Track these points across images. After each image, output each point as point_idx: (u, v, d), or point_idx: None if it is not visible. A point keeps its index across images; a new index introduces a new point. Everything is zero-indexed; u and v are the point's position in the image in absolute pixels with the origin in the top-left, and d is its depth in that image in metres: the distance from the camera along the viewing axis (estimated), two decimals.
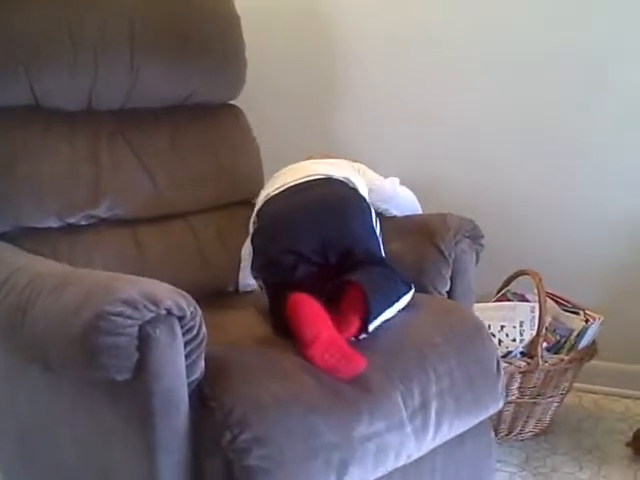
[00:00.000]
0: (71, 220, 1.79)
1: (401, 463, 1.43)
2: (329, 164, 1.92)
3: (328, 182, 1.80)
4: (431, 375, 1.50)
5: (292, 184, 1.79)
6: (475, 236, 1.87)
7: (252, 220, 1.85)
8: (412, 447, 1.44)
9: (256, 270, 1.76)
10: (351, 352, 1.39)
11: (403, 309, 1.64)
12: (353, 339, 1.47)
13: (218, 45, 2.04)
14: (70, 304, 1.25)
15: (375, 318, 1.51)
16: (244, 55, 2.12)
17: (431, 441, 1.48)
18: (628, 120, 2.38)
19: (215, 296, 1.91)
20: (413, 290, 1.68)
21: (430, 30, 2.50)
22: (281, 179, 1.84)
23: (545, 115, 2.45)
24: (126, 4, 1.88)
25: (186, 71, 1.99)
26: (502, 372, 1.69)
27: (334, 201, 1.74)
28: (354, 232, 1.68)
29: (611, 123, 2.40)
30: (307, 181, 1.79)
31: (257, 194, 2.12)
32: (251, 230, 1.84)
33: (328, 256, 1.65)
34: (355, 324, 1.47)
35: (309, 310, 1.44)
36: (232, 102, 2.18)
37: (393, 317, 1.58)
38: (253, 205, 2.11)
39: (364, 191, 1.88)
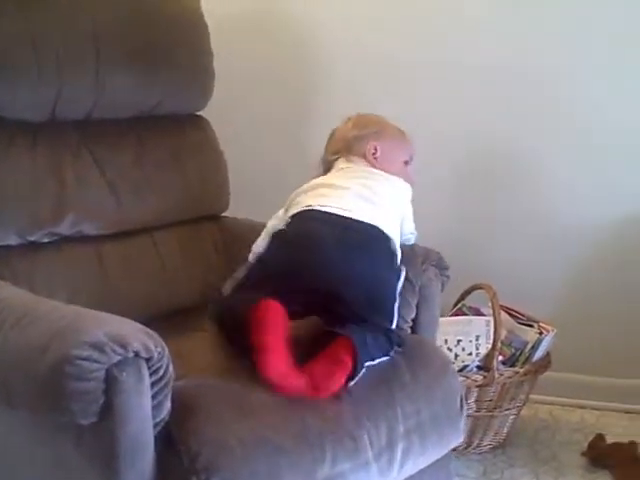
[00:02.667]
0: (32, 238, 1.75)
1: None
2: (376, 201, 1.75)
3: (369, 241, 1.66)
4: (399, 414, 1.51)
5: (335, 211, 1.67)
6: (441, 266, 1.88)
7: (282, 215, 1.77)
8: None
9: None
10: (295, 373, 1.39)
11: None
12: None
13: (185, 56, 2.01)
14: (35, 343, 1.22)
15: (357, 376, 1.48)
16: (212, 66, 2.08)
17: (394, 479, 1.49)
18: (577, 134, 2.43)
19: (177, 313, 1.90)
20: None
21: (401, 42, 2.49)
22: (326, 197, 1.72)
23: (494, 130, 2.48)
24: (91, 15, 1.83)
25: (152, 82, 1.95)
26: (464, 409, 1.71)
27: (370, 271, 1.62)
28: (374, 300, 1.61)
29: (560, 138, 2.44)
30: (349, 219, 1.66)
31: (222, 209, 2.11)
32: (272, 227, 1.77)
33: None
34: (339, 381, 1.43)
35: (273, 318, 1.41)
36: (200, 113, 2.14)
37: None
38: (218, 220, 2.10)
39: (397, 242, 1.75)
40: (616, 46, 2.35)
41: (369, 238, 1.66)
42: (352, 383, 1.47)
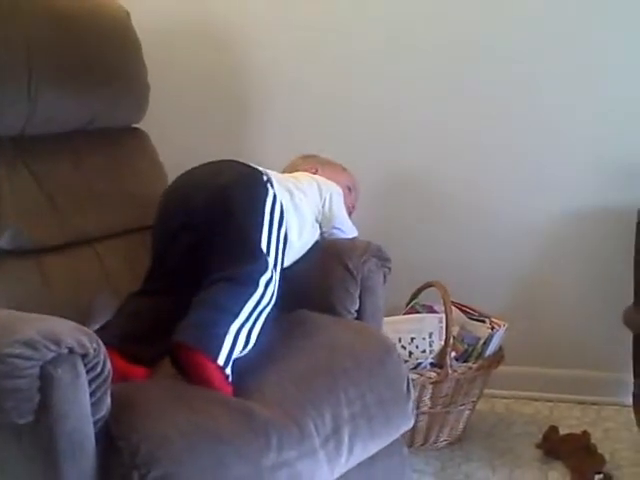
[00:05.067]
0: None
1: None
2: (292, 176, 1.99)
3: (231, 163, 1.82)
4: (342, 399, 1.52)
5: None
6: (382, 257, 1.90)
7: None
8: (325, 473, 1.45)
9: None
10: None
11: (315, 331, 1.66)
12: (228, 375, 1.48)
13: (117, 70, 2.02)
14: None
15: (217, 353, 1.47)
16: (146, 79, 2.10)
17: (344, 465, 1.50)
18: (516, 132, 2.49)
19: None
20: (266, 277, 1.62)
21: (339, 40, 2.54)
22: None
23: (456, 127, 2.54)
24: (23, 32, 1.83)
25: (86, 96, 1.95)
26: (412, 392, 1.72)
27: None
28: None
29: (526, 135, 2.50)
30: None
31: None
32: None
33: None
34: (210, 368, 1.45)
35: None
36: (137, 125, 2.15)
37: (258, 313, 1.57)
38: None
39: (306, 202, 1.90)
40: (558, 36, 2.42)
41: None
42: (228, 358, 1.48)
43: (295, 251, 1.86)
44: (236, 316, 1.53)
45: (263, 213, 1.69)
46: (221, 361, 1.46)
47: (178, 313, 1.56)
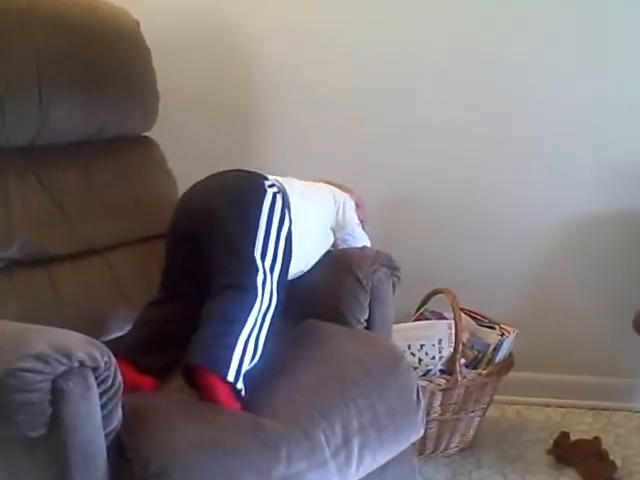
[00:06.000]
0: None
1: None
2: (308, 184, 1.97)
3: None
4: (352, 410, 1.52)
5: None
6: (391, 266, 1.90)
7: None
8: None
9: None
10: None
11: (324, 341, 1.67)
12: (240, 389, 1.48)
13: (127, 79, 2.03)
14: None
15: (227, 370, 1.48)
16: (155, 88, 2.11)
17: (354, 475, 1.50)
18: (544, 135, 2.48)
19: None
20: (260, 279, 1.61)
21: (348, 50, 2.54)
22: None
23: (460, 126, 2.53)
24: (33, 43, 1.84)
25: (96, 106, 1.96)
26: (422, 401, 1.72)
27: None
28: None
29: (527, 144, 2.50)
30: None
31: None
32: None
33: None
34: (219, 386, 1.46)
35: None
36: (147, 134, 2.16)
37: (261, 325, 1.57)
38: None
39: (316, 210, 1.91)
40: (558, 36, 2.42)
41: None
42: (238, 372, 1.48)
43: (306, 254, 1.86)
44: (243, 325, 1.53)
45: (256, 215, 1.68)
46: (231, 377, 1.47)
47: (187, 320, 1.57)
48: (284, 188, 1.82)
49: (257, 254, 1.63)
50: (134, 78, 2.06)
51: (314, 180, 2.08)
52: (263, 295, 1.59)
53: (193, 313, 1.58)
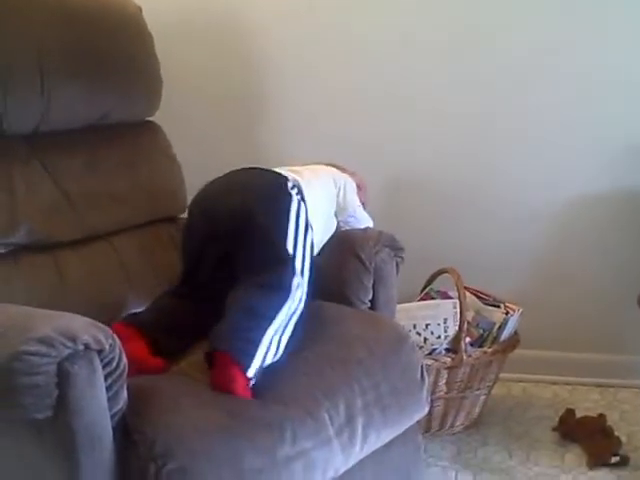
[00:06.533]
0: None
1: (329, 478, 1.46)
2: (311, 170, 1.98)
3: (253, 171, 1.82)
4: (356, 389, 1.54)
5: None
6: (395, 247, 1.91)
7: None
8: (339, 461, 1.47)
9: None
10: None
11: (328, 322, 1.68)
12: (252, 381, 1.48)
13: (130, 64, 2.04)
14: None
15: (250, 364, 1.48)
16: (159, 73, 2.11)
17: (358, 453, 1.52)
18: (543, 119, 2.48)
19: None
20: (297, 281, 1.63)
21: (350, 34, 2.54)
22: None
23: (467, 111, 2.53)
24: (34, 27, 1.85)
25: (99, 92, 1.97)
26: (426, 380, 1.74)
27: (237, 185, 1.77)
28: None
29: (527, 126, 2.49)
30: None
31: (180, 211, 2.14)
32: None
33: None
34: (239, 379, 1.45)
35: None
36: (151, 119, 2.17)
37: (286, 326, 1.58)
38: (177, 221, 2.12)
39: (319, 198, 1.89)
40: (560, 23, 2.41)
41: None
42: (257, 373, 1.48)
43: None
44: (271, 322, 1.54)
45: (288, 220, 1.69)
46: (251, 373, 1.47)
47: (207, 319, 1.59)
48: (300, 186, 1.82)
49: (297, 261, 1.65)
50: (137, 63, 2.07)
51: (316, 163, 2.09)
52: (295, 297, 1.60)
53: (215, 314, 1.58)
